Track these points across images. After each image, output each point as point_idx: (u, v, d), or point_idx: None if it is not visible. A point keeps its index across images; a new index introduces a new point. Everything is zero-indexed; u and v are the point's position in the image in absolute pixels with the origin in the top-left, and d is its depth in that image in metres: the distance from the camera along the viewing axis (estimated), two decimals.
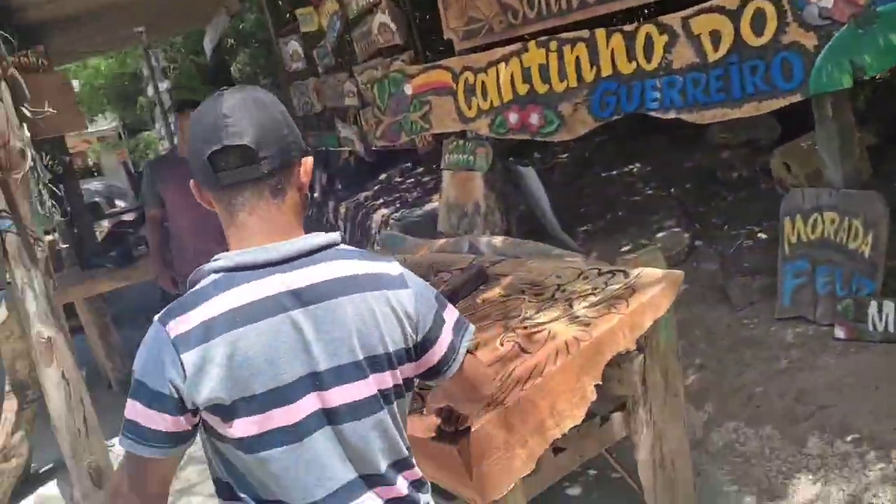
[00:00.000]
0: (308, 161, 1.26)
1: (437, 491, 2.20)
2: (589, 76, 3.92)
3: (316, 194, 8.72)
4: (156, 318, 1.18)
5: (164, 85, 10.09)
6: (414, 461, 1.32)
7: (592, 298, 2.26)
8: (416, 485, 1.31)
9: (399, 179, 8.07)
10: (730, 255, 4.20)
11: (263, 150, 1.17)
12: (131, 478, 1.20)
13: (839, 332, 3.19)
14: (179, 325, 1.14)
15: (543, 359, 2.04)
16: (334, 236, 1.25)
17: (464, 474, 1.87)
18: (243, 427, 1.15)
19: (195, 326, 1.14)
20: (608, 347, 2.09)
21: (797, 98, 3.14)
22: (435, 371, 1.32)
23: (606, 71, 3.83)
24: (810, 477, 2.72)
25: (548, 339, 2.13)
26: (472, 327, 1.37)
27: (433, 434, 1.92)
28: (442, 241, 3.34)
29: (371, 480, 1.24)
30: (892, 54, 2.79)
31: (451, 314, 1.33)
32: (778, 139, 4.84)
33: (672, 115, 3.62)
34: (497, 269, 2.78)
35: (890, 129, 4.51)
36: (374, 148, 6.07)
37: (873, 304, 3.08)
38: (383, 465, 1.25)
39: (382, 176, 8.39)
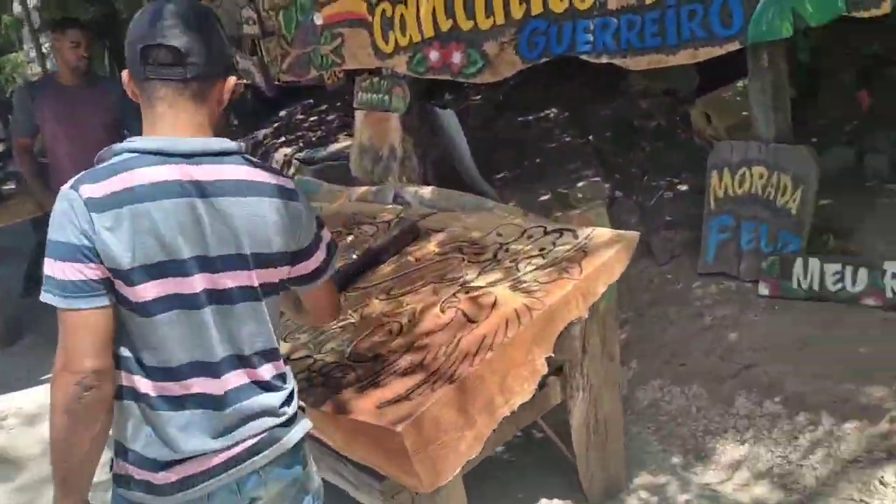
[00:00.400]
0: (231, 80, 1.41)
1: (368, 471, 2.01)
2: (518, 13, 3.67)
3: None
4: (65, 186, 1.27)
5: (32, 1, 9.00)
6: (281, 356, 1.46)
7: (540, 261, 2.08)
8: (279, 377, 1.44)
9: (301, 117, 7.61)
10: (650, 207, 4.15)
11: (191, 57, 1.31)
12: (69, 342, 1.25)
13: (764, 290, 3.18)
14: (92, 190, 1.25)
15: (493, 329, 1.85)
16: (240, 145, 1.40)
17: (405, 460, 1.67)
18: (142, 291, 1.27)
19: (106, 194, 1.25)
20: (561, 317, 1.92)
21: (735, 46, 3.03)
22: (305, 280, 1.51)
23: (536, 9, 3.59)
24: (738, 437, 2.71)
25: (494, 307, 1.94)
26: (338, 250, 1.61)
27: (374, 417, 1.70)
28: (363, 189, 3.07)
29: (241, 361, 1.37)
30: (834, 5, 2.70)
31: (326, 235, 1.53)
32: (696, 89, 4.79)
33: (604, 59, 3.44)
34: (428, 224, 2.55)
35: (802, 81, 4.53)
36: (277, 83, 5.61)
37: (799, 262, 3.07)
38: (252, 350, 1.38)
39: (283, 113, 7.89)
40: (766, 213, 3.25)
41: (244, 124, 7.87)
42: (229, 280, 1.33)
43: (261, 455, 1.38)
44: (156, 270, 1.27)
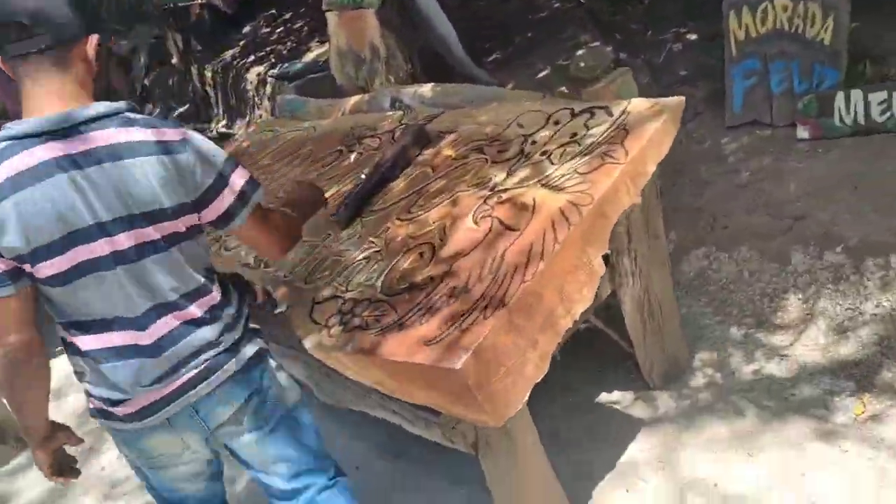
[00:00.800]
0: (94, 38, 1.44)
1: (422, 406, 1.85)
2: None
3: (174, 60, 7.65)
4: None
5: None
6: (213, 289, 1.53)
7: (575, 148, 1.83)
8: (212, 309, 1.52)
9: (266, 30, 7.12)
10: (660, 65, 3.83)
11: (40, 27, 1.34)
12: None
13: (803, 132, 2.94)
14: None
15: (539, 235, 1.63)
16: (118, 105, 1.41)
17: (469, 397, 1.50)
18: (52, 267, 1.36)
19: None
20: (612, 209, 1.69)
21: None
22: (219, 223, 1.51)
23: None
24: (800, 296, 2.54)
25: (535, 209, 1.71)
26: (261, 188, 1.55)
27: (425, 357, 1.51)
28: (354, 98, 2.78)
29: (167, 307, 1.46)
30: None
31: (239, 175, 1.51)
32: None
33: None
34: (437, 126, 2.28)
35: None
36: None
37: (839, 96, 2.81)
38: (174, 296, 1.47)
39: (246, 29, 7.39)
40: (795, 48, 2.95)
41: (207, 47, 7.39)
42: (129, 240, 1.39)
43: (206, 382, 1.51)
44: (58, 246, 1.35)
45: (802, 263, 2.58)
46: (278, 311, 1.98)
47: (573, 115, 1.95)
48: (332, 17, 4.08)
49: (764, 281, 2.66)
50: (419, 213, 1.97)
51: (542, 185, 1.77)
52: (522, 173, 1.86)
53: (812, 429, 2.14)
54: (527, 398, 1.58)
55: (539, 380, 1.59)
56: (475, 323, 1.52)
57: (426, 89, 2.48)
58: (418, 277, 1.75)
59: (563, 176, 1.77)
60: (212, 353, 1.51)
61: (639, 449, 2.29)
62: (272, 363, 1.65)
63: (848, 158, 2.77)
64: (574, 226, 1.62)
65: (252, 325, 1.62)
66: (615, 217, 1.70)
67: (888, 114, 2.73)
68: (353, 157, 2.40)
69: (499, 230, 1.72)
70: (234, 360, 1.54)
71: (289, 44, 6.36)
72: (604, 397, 2.55)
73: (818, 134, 2.89)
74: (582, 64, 4.27)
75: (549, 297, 1.59)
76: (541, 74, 4.25)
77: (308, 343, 1.80)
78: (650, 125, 1.75)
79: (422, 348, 1.55)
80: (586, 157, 1.77)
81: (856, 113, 2.79)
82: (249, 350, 1.57)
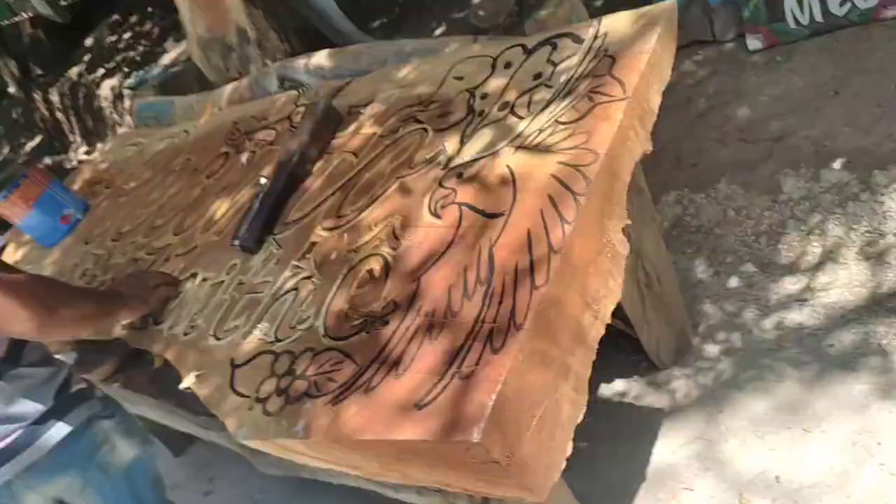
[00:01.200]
0: None
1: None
2: None
3: (11, 90, 6.71)
4: None
5: None
6: None
7: (546, 93, 1.35)
8: None
9: (113, 38, 6.30)
10: None
11: None
12: None
13: (754, 43, 2.57)
14: None
15: (534, 217, 1.15)
16: None
17: (496, 472, 1.01)
18: None
19: None
20: (623, 162, 1.23)
21: None
22: None
23: None
24: (803, 227, 2.17)
25: (517, 182, 1.22)
26: None
27: (420, 428, 1.01)
28: (230, 86, 2.20)
29: None
30: None
31: None
32: None
33: None
34: (348, 99, 1.76)
35: None
36: (64, 1, 4.39)
37: None
38: None
39: (89, 41, 6.53)
40: None
41: (49, 68, 6.49)
42: None
43: (9, 464, 1.31)
44: None
45: (797, 189, 2.21)
46: (184, 385, 1.43)
47: (527, 51, 1.46)
48: (182, 3, 3.43)
49: (754, 217, 2.28)
50: (353, 215, 1.44)
51: (517, 147, 1.29)
52: (483, 137, 1.37)
53: (868, 383, 1.77)
54: (570, 451, 1.11)
55: (580, 420, 1.12)
56: (482, 362, 1.03)
57: (322, 57, 1.94)
58: (375, 307, 1.24)
59: (541, 131, 1.28)
60: (10, 427, 1.31)
61: (671, 449, 1.87)
62: (107, 425, 1.44)
63: (816, 63, 2.43)
64: (582, 196, 1.14)
65: (77, 389, 1.40)
66: (628, 174, 1.24)
67: (848, 5, 2.38)
68: (244, 158, 1.84)
69: (473, 220, 1.23)
70: (46, 435, 1.34)
71: (140, 49, 5.61)
72: (605, 390, 2.12)
73: (773, 42, 2.53)
74: (481, 12, 3.78)
75: (571, 302, 1.11)
76: (437, 32, 3.76)
77: (235, 428, 1.27)
78: (643, 44, 1.29)
79: (410, 415, 1.04)
80: (566, 101, 1.29)
81: (811, 10, 2.44)
82: (69, 422, 1.37)
